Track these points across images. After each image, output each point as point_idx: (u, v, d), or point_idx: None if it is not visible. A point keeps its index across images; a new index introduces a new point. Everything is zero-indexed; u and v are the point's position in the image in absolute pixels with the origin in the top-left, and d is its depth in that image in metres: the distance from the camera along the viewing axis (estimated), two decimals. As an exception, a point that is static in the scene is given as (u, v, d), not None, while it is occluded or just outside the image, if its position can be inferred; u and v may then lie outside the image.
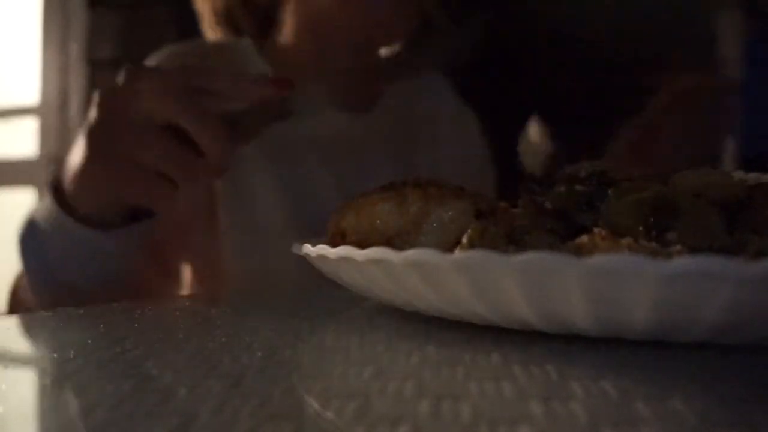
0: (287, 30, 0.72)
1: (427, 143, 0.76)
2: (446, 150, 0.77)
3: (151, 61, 0.66)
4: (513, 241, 0.27)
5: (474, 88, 0.81)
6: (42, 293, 0.49)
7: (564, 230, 0.28)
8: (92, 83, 1.50)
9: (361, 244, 0.29)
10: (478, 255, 0.23)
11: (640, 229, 0.25)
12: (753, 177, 0.30)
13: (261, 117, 0.46)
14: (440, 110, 0.78)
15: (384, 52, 0.72)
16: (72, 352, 0.25)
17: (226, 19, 0.73)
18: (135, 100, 0.41)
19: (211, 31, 0.75)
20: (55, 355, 0.25)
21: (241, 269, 0.64)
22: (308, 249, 0.31)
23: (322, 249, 0.30)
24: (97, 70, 1.50)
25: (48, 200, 0.46)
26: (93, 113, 0.42)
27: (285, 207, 0.65)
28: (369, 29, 0.68)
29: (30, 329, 0.31)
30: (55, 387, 0.20)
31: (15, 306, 0.56)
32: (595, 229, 0.27)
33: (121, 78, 0.42)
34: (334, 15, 0.67)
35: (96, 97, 0.43)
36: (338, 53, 0.70)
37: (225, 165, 0.42)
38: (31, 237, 0.47)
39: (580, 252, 0.25)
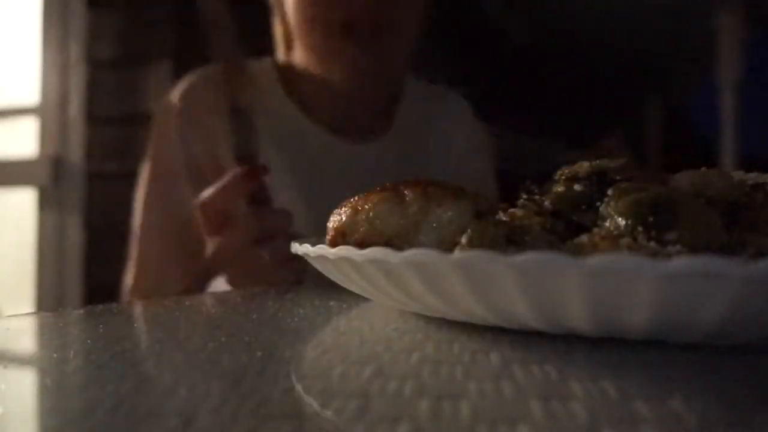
0: (296, 54, 0.74)
1: (441, 164, 0.77)
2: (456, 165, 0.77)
3: (177, 91, 0.71)
4: (513, 241, 0.27)
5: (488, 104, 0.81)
6: None
7: (564, 230, 0.28)
8: (92, 83, 1.49)
9: (361, 244, 0.29)
10: (478, 255, 0.23)
11: (640, 229, 0.25)
12: (753, 177, 0.30)
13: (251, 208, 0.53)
14: (456, 130, 0.79)
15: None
16: (72, 352, 0.25)
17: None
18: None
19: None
20: (55, 355, 0.25)
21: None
22: (308, 249, 0.31)
23: (322, 249, 0.30)
24: (97, 70, 1.49)
25: None
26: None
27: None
28: (352, 85, 0.70)
29: (30, 329, 0.31)
30: (55, 387, 0.20)
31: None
32: (595, 229, 0.27)
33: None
34: (316, 68, 0.70)
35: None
36: (337, 91, 0.72)
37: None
38: None
39: (580, 252, 0.25)
